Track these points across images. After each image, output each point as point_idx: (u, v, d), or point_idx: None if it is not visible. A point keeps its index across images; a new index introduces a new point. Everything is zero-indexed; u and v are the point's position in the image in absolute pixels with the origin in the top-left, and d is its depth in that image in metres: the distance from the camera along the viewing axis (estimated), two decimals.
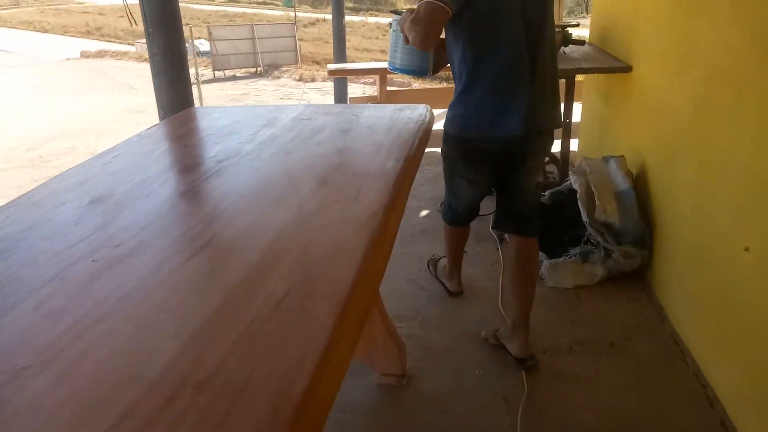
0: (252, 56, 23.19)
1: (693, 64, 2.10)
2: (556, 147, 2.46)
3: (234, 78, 23.07)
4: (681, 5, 2.22)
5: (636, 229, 2.43)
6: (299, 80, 21.68)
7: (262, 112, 1.85)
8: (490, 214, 2.56)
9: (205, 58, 23.47)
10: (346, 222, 1.05)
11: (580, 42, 3.23)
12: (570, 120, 3.18)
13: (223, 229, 1.06)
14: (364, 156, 1.45)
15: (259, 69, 23.06)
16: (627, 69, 2.77)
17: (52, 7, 41.06)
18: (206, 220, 1.10)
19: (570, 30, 3.20)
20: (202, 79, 21.56)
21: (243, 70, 23.52)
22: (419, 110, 1.79)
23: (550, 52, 1.89)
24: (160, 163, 1.46)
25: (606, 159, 2.64)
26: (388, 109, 1.81)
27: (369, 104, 2.08)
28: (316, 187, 1.23)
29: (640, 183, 2.54)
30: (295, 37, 23.90)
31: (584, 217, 2.48)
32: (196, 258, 0.96)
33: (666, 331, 2.23)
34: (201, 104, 7.47)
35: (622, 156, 2.61)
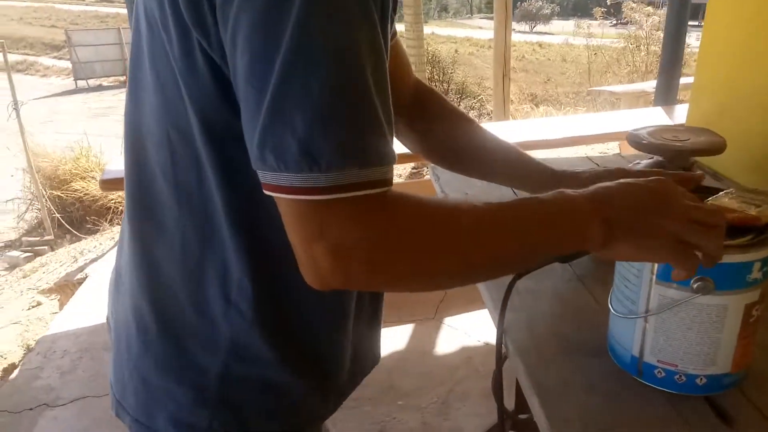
0: (121, 63, 20.92)
1: None
2: None
3: (100, 88, 20.69)
4: None
5: None
6: None
7: None
8: None
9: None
10: None
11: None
12: None
13: None
14: None
15: None
16: None
17: None
18: None
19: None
20: (62, 90, 19.18)
21: (111, 78, 21.20)
22: None
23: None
24: None
25: None
26: None
27: None
28: None
29: None
30: None
31: None
32: None
33: None
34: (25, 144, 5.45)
35: None
